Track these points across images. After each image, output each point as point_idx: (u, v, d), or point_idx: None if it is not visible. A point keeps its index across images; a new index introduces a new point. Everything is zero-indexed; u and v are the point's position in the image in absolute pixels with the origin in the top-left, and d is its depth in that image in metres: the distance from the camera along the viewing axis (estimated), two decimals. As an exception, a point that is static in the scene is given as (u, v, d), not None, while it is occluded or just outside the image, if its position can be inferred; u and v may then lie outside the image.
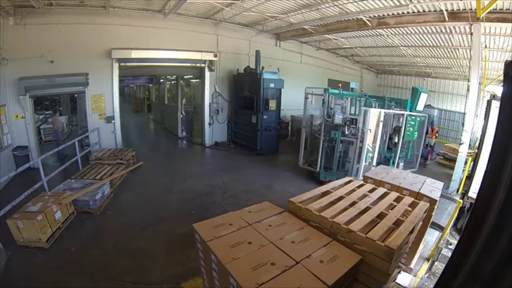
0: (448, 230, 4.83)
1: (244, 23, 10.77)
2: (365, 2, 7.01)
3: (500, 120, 1.29)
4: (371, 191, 3.35)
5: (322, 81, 14.86)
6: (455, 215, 4.78)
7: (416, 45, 10.84)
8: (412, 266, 4.08)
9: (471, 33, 6.83)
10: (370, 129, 6.64)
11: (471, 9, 6.23)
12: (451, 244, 4.93)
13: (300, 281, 1.91)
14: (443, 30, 8.54)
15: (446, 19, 6.87)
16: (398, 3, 6.80)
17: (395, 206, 2.99)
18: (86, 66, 8.26)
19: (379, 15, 8.05)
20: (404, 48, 11.61)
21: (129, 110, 20.91)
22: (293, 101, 12.19)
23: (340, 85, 8.49)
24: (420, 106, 8.31)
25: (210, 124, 11.12)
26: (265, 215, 2.75)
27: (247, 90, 10.33)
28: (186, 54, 9.85)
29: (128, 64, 9.14)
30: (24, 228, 4.18)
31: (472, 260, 1.30)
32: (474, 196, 4.97)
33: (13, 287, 3.56)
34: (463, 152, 7.23)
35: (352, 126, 6.98)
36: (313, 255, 2.17)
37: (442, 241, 4.71)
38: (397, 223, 2.59)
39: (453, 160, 8.73)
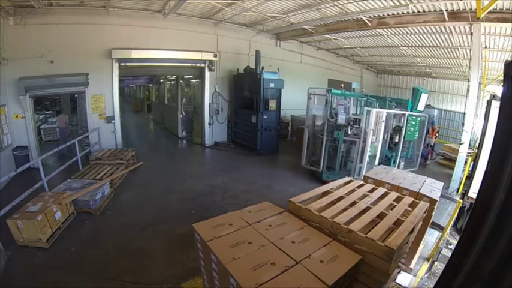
0: (448, 230, 4.83)
1: (244, 23, 10.77)
2: (365, 2, 7.01)
3: (500, 120, 1.29)
4: (371, 191, 3.35)
5: (322, 81, 14.87)
6: (455, 215, 4.78)
7: (416, 45, 10.84)
8: (412, 266, 4.08)
9: (471, 33, 6.83)
10: (372, 129, 6.66)
11: (471, 9, 6.23)
12: (451, 244, 4.92)
13: (300, 281, 1.91)
14: (443, 30, 8.54)
15: (446, 19, 6.87)
16: (398, 3, 6.80)
17: (395, 206, 2.99)
18: (86, 66, 8.26)
19: (379, 15, 8.05)
20: (404, 48, 11.61)
21: (129, 110, 20.92)
22: (293, 101, 12.19)
23: (342, 85, 8.50)
24: (421, 106, 8.33)
25: (210, 124, 11.12)
26: (265, 215, 2.75)
27: (247, 90, 10.33)
28: (186, 54, 9.85)
29: (128, 64, 9.13)
30: (24, 228, 4.18)
31: (472, 260, 1.30)
32: (474, 196, 4.97)
33: (13, 287, 3.56)
34: (463, 152, 7.23)
35: (355, 126, 7.00)
36: (313, 255, 2.17)
37: (442, 241, 4.71)
38: (397, 223, 2.59)
39: (453, 160, 8.73)
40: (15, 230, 4.21)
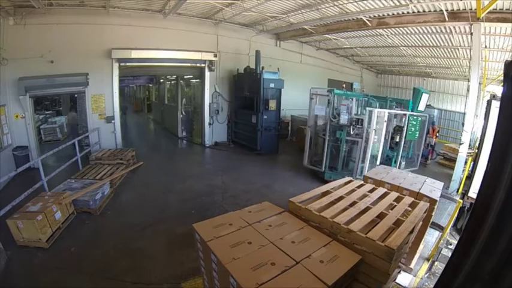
0: (448, 230, 4.83)
1: (244, 23, 10.77)
2: (365, 2, 7.01)
3: (500, 120, 1.29)
4: (371, 191, 3.35)
5: (322, 81, 14.88)
6: (455, 215, 4.78)
7: (416, 45, 10.84)
8: (412, 266, 4.08)
9: (471, 33, 6.83)
10: (375, 129, 6.68)
11: (471, 9, 6.23)
12: (451, 244, 4.92)
13: (300, 281, 1.91)
14: (443, 30, 8.54)
15: (446, 19, 6.88)
16: (398, 3, 6.80)
17: (395, 206, 2.99)
18: (86, 66, 8.26)
19: (379, 15, 8.06)
20: (404, 48, 11.61)
21: (129, 110, 20.88)
22: (293, 101, 12.19)
23: (344, 85, 8.51)
24: (422, 106, 8.35)
25: (210, 124, 11.12)
26: (265, 215, 2.75)
27: (247, 90, 10.32)
28: (186, 54, 9.85)
29: (128, 64, 9.14)
30: (24, 228, 4.18)
31: (472, 260, 1.30)
32: (474, 196, 4.97)
33: (13, 287, 3.56)
34: (463, 152, 7.23)
35: (358, 126, 7.02)
36: (313, 255, 2.17)
37: (442, 241, 4.70)
38: (397, 223, 2.58)
39: (453, 160, 8.74)
40: (15, 230, 4.21)
